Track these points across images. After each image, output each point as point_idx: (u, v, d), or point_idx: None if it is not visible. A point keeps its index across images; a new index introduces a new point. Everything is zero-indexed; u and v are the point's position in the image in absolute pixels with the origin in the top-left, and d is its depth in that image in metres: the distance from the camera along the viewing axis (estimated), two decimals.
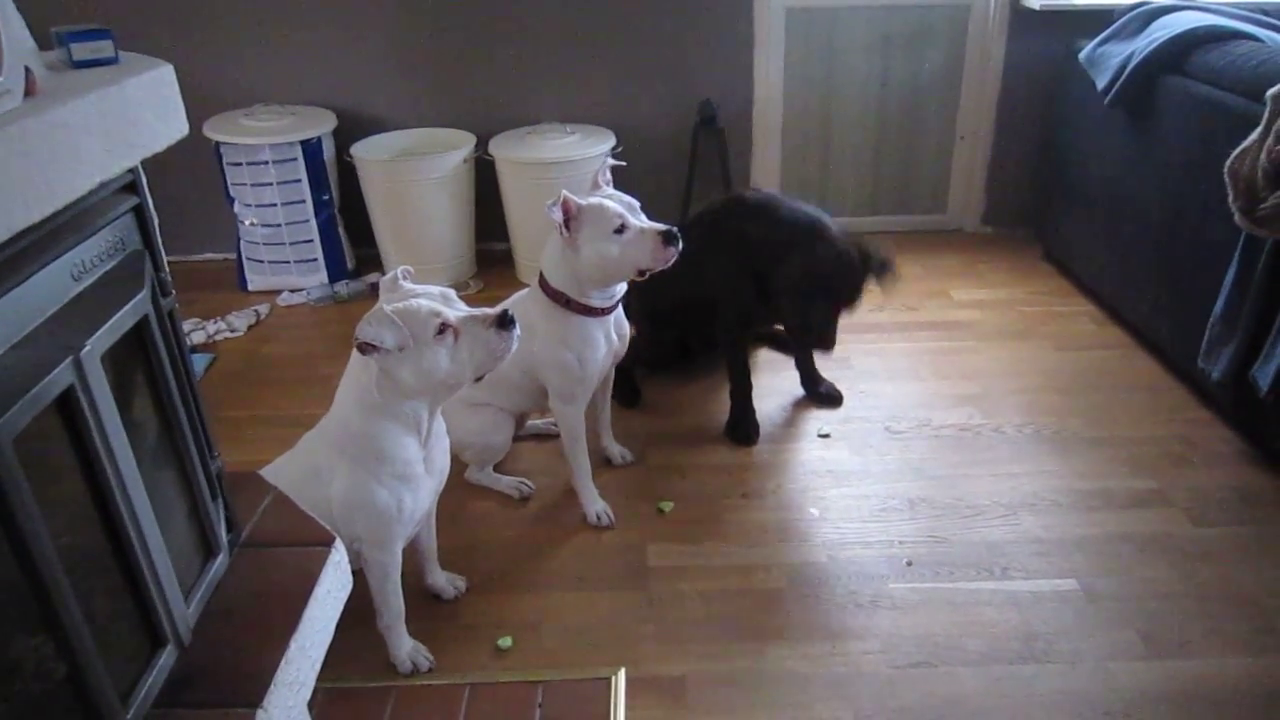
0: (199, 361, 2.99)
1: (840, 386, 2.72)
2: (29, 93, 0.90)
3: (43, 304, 0.91)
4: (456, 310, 1.61)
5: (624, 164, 2.35)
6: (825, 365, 2.81)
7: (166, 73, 1.08)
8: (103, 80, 0.99)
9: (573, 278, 2.06)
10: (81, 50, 1.05)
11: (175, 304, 1.12)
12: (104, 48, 1.06)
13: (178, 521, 1.10)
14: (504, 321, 1.60)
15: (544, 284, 2.10)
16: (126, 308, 0.99)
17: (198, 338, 3.15)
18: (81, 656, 0.88)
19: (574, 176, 3.29)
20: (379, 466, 1.65)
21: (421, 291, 1.62)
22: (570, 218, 1.99)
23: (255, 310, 3.34)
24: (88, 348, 0.90)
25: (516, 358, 1.72)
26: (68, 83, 0.97)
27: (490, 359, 1.62)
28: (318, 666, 1.18)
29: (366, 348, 1.52)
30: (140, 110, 1.03)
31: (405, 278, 1.67)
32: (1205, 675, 1.77)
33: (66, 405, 0.88)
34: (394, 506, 1.68)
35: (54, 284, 0.93)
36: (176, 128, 1.09)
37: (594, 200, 2.01)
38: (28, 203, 0.84)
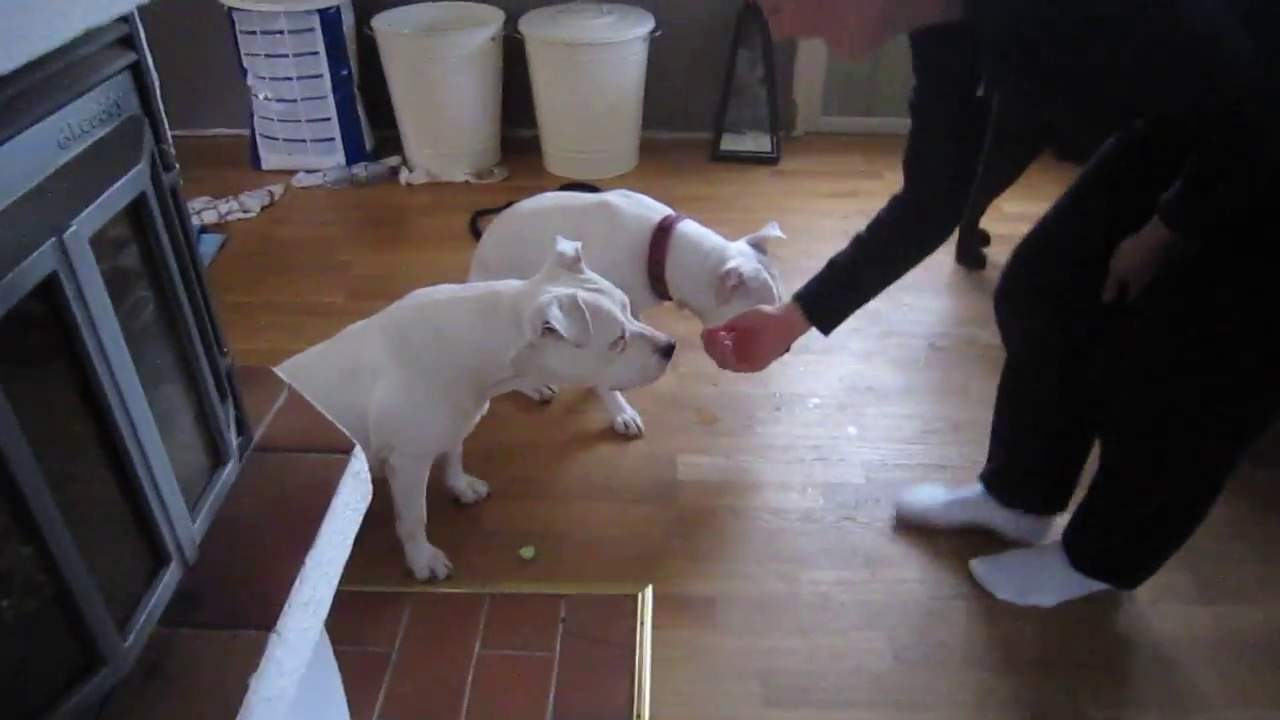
0: (209, 243, 2.86)
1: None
2: None
3: (24, 174, 0.77)
4: (631, 324, 1.54)
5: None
6: None
7: None
8: None
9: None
10: None
11: (178, 180, 0.98)
12: None
13: (182, 426, 0.99)
14: (668, 351, 1.57)
15: None
16: (121, 182, 0.85)
17: (209, 217, 3.01)
18: (66, 570, 0.77)
19: (607, 59, 3.09)
20: (444, 389, 1.61)
21: (605, 287, 1.54)
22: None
23: (269, 190, 3.19)
24: (73, 228, 0.77)
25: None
26: None
27: (637, 379, 1.58)
28: (334, 585, 1.08)
29: (549, 331, 1.44)
30: None
31: (580, 258, 1.57)
32: (1259, 622, 1.69)
33: (49, 294, 0.76)
34: (442, 426, 1.66)
35: (37, 150, 0.79)
36: None
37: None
38: None
